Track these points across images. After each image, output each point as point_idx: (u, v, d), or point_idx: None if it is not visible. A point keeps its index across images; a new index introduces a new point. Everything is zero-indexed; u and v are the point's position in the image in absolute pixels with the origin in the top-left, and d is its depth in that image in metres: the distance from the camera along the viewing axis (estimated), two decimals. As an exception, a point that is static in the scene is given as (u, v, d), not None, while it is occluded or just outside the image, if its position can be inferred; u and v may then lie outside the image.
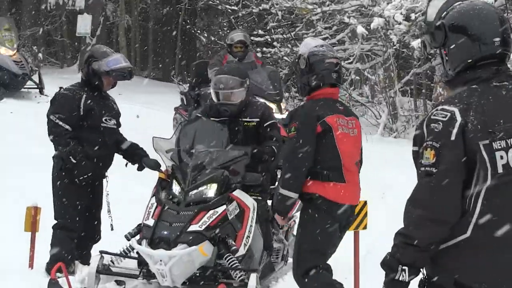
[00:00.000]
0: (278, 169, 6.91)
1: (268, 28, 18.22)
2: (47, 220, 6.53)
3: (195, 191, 6.04)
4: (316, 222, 5.43)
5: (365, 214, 6.28)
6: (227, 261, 5.79)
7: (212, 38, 21.56)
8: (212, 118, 6.75)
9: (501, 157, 3.03)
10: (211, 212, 5.85)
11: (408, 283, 3.15)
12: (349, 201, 5.54)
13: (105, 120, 6.67)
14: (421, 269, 3.22)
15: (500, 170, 3.03)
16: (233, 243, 5.87)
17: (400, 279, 3.11)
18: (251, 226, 6.12)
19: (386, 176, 9.86)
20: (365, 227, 6.30)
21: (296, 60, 5.75)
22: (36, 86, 16.21)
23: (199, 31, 22.17)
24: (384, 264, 3.18)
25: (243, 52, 11.54)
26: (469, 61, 3.22)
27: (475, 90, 3.15)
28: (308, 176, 5.42)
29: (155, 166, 6.51)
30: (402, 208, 3.19)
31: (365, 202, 6.32)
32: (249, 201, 6.24)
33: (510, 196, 3.07)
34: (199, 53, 23.72)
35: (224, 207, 5.93)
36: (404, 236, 3.10)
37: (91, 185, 6.68)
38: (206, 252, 5.74)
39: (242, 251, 5.95)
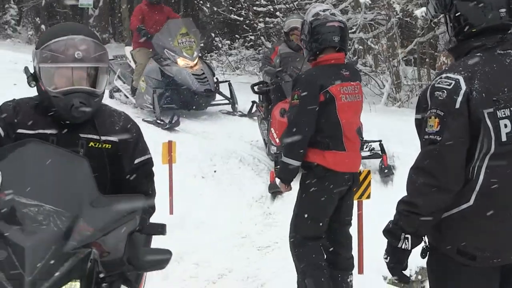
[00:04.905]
0: None
1: (271, -2, 18.11)
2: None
3: None
4: (315, 190, 5.47)
5: (369, 184, 6.26)
6: None
7: (215, 9, 21.36)
8: (40, 130, 3.41)
9: (505, 126, 3.03)
10: None
11: (410, 251, 3.16)
12: (349, 169, 5.56)
13: None
14: (424, 238, 3.23)
15: (504, 138, 3.02)
16: None
17: (403, 247, 3.13)
18: None
19: (390, 146, 9.83)
20: (368, 197, 6.29)
21: (302, 27, 5.71)
22: (227, 101, 12.54)
23: (202, 2, 21.96)
24: (387, 232, 3.19)
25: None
26: (473, 30, 3.20)
27: (479, 58, 3.14)
28: (309, 144, 5.43)
29: None
30: (406, 177, 3.19)
31: (369, 172, 6.31)
32: None
33: (513, 164, 3.07)
34: (202, 24, 23.60)
35: None
36: (407, 204, 3.10)
37: None
38: None
39: None
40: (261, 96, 10.32)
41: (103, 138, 3.45)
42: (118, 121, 3.57)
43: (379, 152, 9.28)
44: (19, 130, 3.37)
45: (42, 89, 3.36)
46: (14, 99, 3.47)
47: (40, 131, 3.38)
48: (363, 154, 6.92)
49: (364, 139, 7.09)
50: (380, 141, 9.33)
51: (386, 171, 9.01)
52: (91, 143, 3.44)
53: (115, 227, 3.06)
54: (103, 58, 3.39)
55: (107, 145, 3.47)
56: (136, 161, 3.56)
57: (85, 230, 2.96)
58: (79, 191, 3.09)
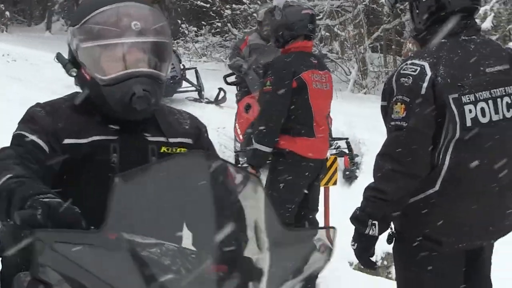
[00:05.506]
0: None
1: (237, -16, 18.06)
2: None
3: None
4: (285, 177, 5.46)
5: (335, 170, 6.29)
6: None
7: (181, -5, 21.24)
8: (94, 137, 2.47)
9: (470, 111, 3.04)
10: None
11: (377, 237, 3.17)
12: (319, 155, 5.58)
13: None
14: (390, 224, 3.24)
15: (468, 123, 3.04)
16: None
17: (370, 233, 3.13)
18: None
19: (357, 132, 9.88)
20: (335, 183, 6.32)
21: (271, 12, 5.68)
22: (194, 88, 12.38)
23: (167, -12, 21.81)
24: (354, 218, 3.19)
25: None
26: (442, 14, 3.20)
27: (444, 44, 3.15)
28: (280, 131, 5.40)
29: None
30: (373, 163, 3.19)
31: (335, 158, 6.35)
32: None
33: (478, 149, 3.09)
34: (168, 10, 23.46)
35: None
36: (374, 190, 3.10)
37: None
38: None
39: None
40: (237, 86, 10.11)
41: (171, 140, 2.55)
42: (183, 119, 2.69)
43: (346, 150, 9.22)
44: (66, 141, 2.42)
45: (87, 78, 2.45)
46: (38, 103, 2.52)
47: (95, 137, 2.44)
48: (329, 152, 6.85)
49: (332, 136, 6.92)
50: (347, 139, 9.29)
51: (347, 173, 8.86)
52: (163, 148, 2.52)
53: (302, 273, 2.15)
54: (166, 30, 2.46)
55: (182, 149, 2.57)
56: None
57: (269, 278, 2.04)
58: (256, 225, 2.13)
